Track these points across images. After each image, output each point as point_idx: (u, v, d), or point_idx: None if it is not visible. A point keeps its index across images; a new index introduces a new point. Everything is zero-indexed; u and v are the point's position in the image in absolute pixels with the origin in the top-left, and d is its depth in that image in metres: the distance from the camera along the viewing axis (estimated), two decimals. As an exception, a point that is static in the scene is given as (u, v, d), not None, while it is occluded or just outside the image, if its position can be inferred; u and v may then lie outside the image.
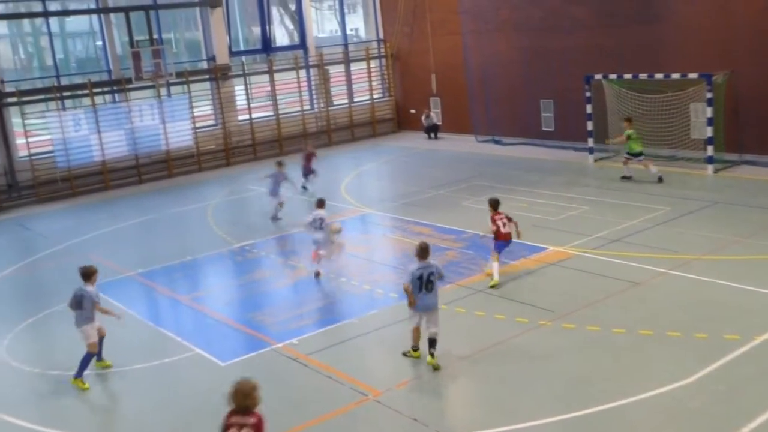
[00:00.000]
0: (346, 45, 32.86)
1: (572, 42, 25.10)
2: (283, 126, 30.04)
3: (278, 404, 10.17)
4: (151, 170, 27.08)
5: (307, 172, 23.13)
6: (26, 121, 24.82)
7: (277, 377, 10.94)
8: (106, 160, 25.94)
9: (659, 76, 21.58)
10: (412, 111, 32.26)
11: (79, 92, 26.05)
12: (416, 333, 11.03)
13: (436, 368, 10.63)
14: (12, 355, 12.59)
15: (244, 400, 7.38)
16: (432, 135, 30.72)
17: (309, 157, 23.21)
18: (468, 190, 21.16)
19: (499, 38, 27.67)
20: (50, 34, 25.90)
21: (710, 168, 20.61)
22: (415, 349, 11.08)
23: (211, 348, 12.09)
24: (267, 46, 30.66)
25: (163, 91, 27.35)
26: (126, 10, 26.33)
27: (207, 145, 28.45)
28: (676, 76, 21.22)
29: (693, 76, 20.85)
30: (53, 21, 26.37)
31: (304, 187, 22.84)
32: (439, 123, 31.00)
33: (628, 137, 20.36)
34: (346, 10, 33.66)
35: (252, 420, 7.24)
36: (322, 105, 31.30)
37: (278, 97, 29.85)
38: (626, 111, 22.67)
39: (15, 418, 10.48)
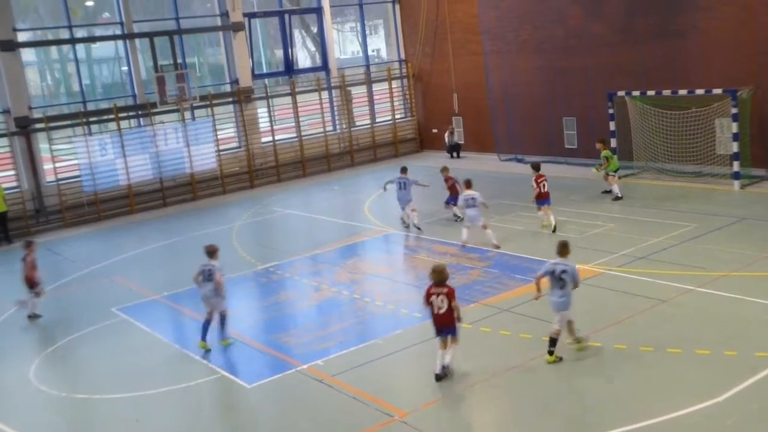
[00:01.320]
0: (368, 66, 33.06)
1: (594, 60, 25.05)
2: (306, 147, 30.21)
3: (304, 426, 10.17)
4: (175, 193, 27.32)
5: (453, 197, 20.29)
6: (53, 147, 25.18)
7: (303, 399, 10.93)
8: (132, 183, 26.22)
9: (683, 92, 21.46)
10: (435, 131, 32.32)
11: (105, 117, 26.40)
12: (571, 326, 11.21)
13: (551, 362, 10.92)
14: (39, 379, 12.68)
15: (439, 275, 10.83)
16: (454, 154, 30.72)
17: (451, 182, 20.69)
18: (492, 209, 21.00)
19: (520, 57, 27.70)
20: (77, 60, 26.33)
21: (736, 184, 20.40)
22: (578, 341, 11.27)
23: (236, 370, 12.11)
24: (289, 68, 30.92)
25: (188, 114, 27.64)
26: (150, 35, 26.71)
27: (231, 167, 28.67)
28: (700, 91, 21.09)
29: (717, 91, 20.71)
30: (80, 47, 26.80)
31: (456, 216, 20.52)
32: (462, 142, 31.01)
33: (608, 159, 20.72)
34: (367, 32, 33.89)
35: (445, 290, 10.75)
36: (344, 126, 31.45)
37: (301, 119, 30.05)
38: (650, 127, 22.56)
39: (43, 441, 10.54)
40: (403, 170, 20.02)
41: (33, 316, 15.86)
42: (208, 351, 12.99)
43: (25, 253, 15.95)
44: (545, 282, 11.28)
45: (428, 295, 10.86)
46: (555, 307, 11.11)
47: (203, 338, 13.13)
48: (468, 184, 17.77)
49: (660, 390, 9.96)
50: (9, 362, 13.61)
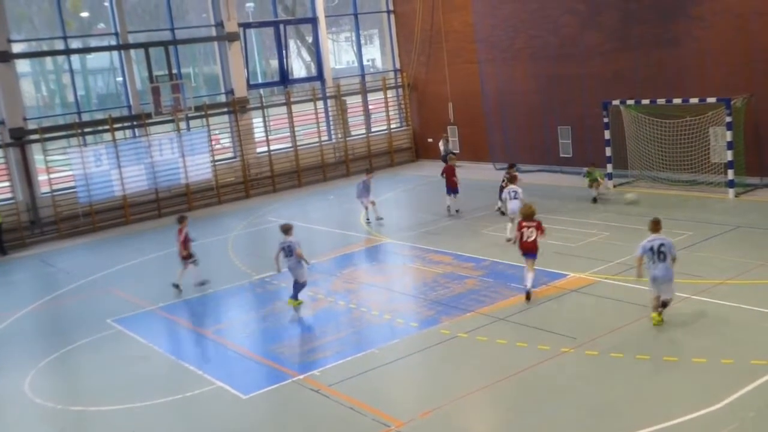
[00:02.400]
0: (363, 75, 33.12)
1: (589, 68, 25.14)
2: (302, 157, 30.22)
3: (300, 437, 10.14)
4: (171, 204, 27.29)
5: (452, 189, 22.00)
6: (48, 158, 25.15)
7: (300, 409, 10.90)
8: (127, 194, 26.19)
9: (677, 100, 21.53)
10: (430, 140, 32.35)
11: (100, 128, 26.39)
12: (655, 301, 12.09)
13: (657, 323, 12.01)
14: (34, 391, 12.62)
15: (528, 211, 14.07)
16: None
17: (451, 171, 22.08)
18: (487, 218, 21.12)
19: (516, 66, 27.79)
20: (72, 71, 26.32)
21: (731, 192, 20.46)
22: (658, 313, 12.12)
23: (232, 381, 12.06)
24: (285, 78, 30.96)
25: (183, 125, 27.65)
26: (145, 46, 26.73)
27: (226, 177, 28.67)
28: (694, 100, 21.16)
29: (712, 100, 20.79)
30: (75, 58, 26.81)
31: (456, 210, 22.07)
32: (457, 151, 31.04)
33: (589, 174, 21.70)
34: (362, 41, 33.97)
35: (534, 224, 13.94)
36: (340, 135, 31.48)
37: (296, 129, 30.08)
38: (645, 136, 22.63)
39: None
40: (368, 171, 21.88)
41: (202, 283, 17.34)
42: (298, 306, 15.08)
43: (179, 228, 17.36)
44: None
45: (520, 227, 14.18)
46: (661, 280, 11.91)
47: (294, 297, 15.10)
48: (513, 179, 18.96)
49: (657, 398, 9.95)
50: (4, 374, 13.54)
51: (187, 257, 17.36)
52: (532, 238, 13.94)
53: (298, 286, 15.20)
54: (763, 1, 20.63)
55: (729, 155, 20.48)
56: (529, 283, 14.02)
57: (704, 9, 21.85)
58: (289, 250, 15.05)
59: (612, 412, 9.77)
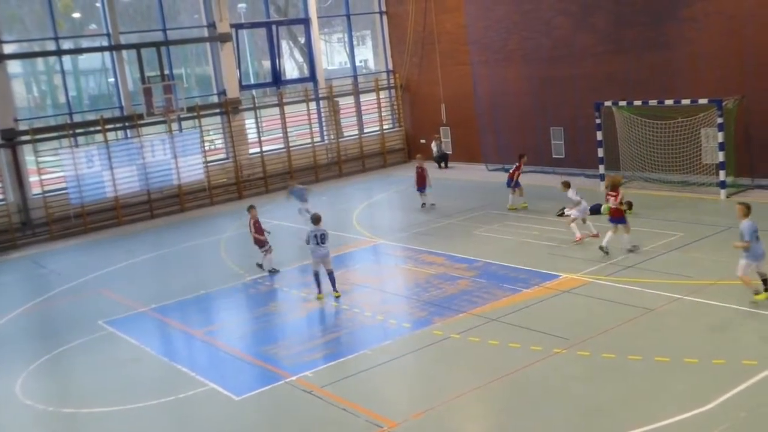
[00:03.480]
0: (355, 77, 33.11)
1: (581, 70, 25.20)
2: (294, 158, 30.19)
3: (293, 438, 10.13)
4: (163, 205, 27.23)
5: (422, 187, 23.37)
6: (39, 159, 25.05)
7: (292, 410, 10.89)
8: (119, 195, 26.11)
9: (669, 102, 21.60)
10: (423, 141, 32.36)
11: (92, 129, 26.30)
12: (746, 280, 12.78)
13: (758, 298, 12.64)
14: (26, 393, 12.57)
15: (613, 182, 16.51)
16: (442, 164, 30.79)
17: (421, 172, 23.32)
18: (479, 218, 21.14)
19: (508, 68, 27.82)
20: (63, 72, 26.23)
21: (723, 193, 20.53)
22: (757, 293, 12.78)
23: (225, 382, 12.04)
24: (277, 79, 30.93)
25: (175, 125, 27.59)
26: (137, 46, 26.66)
27: (218, 178, 28.62)
28: (686, 101, 21.23)
29: (703, 101, 20.86)
30: (66, 59, 26.72)
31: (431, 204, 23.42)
32: (450, 152, 31.09)
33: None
34: (355, 42, 33.97)
35: (614, 193, 16.18)
36: (332, 136, 31.47)
37: (289, 130, 30.06)
38: (636, 137, 22.69)
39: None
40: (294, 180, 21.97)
41: (272, 271, 17.93)
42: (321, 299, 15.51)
43: (249, 217, 18.14)
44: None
45: (607, 197, 16.59)
46: (763, 256, 12.75)
47: (320, 291, 15.62)
48: (567, 185, 18.23)
49: (649, 399, 9.98)
50: (-5, 376, 13.49)
51: (261, 245, 18.01)
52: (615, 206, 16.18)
53: (332, 276, 15.67)
54: (755, 3, 20.72)
55: (720, 156, 20.56)
56: (606, 242, 16.17)
57: (696, 11, 21.93)
58: (322, 239, 15.48)
59: (604, 412, 9.79)
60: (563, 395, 10.37)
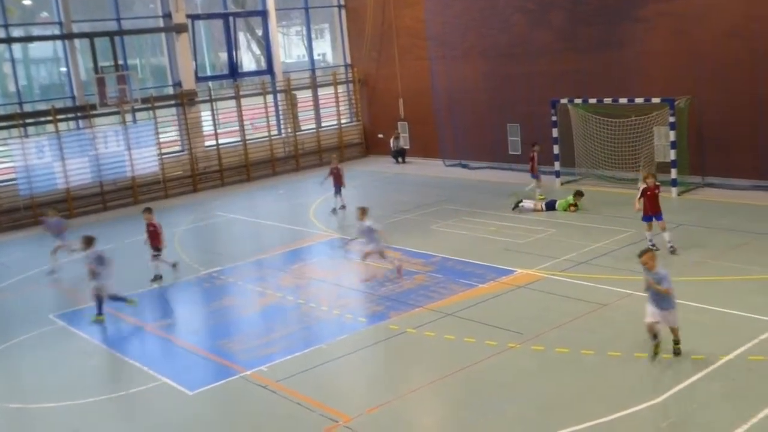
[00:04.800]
0: (313, 70, 32.95)
1: (538, 67, 25.43)
2: (251, 151, 29.95)
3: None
4: (116, 197, 26.78)
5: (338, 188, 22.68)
6: (-12, 149, 24.47)
7: (247, 405, 10.80)
8: (70, 187, 25.60)
9: (623, 100, 21.92)
10: (380, 135, 32.38)
11: (43, 119, 25.75)
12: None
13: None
14: (-28, 388, 12.27)
15: (651, 178, 15.79)
16: (400, 159, 30.84)
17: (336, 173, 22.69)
18: (436, 213, 21.22)
19: (466, 63, 27.96)
20: (13, 60, 25.60)
21: (674, 191, 20.91)
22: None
23: (178, 377, 11.90)
24: (234, 71, 30.62)
25: (129, 117, 27.15)
26: (90, 36, 26.15)
27: (173, 171, 28.25)
28: (639, 100, 21.58)
29: (656, 100, 21.21)
30: (16, 47, 26.08)
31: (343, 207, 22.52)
32: (407, 147, 31.15)
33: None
34: (313, 36, 33.80)
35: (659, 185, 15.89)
36: (289, 130, 31.29)
37: (245, 123, 29.80)
38: (591, 134, 23.00)
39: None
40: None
41: (156, 278, 17.13)
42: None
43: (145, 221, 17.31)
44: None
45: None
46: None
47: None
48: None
49: (601, 393, 10.13)
50: (-61, 371, 13.13)
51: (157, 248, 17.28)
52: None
53: (111, 299, 14.94)
54: (704, 5, 21.13)
55: (672, 154, 20.94)
56: (650, 241, 15.63)
57: (648, 11, 22.29)
58: (99, 261, 14.77)
59: (558, 406, 9.91)
60: (518, 389, 10.47)
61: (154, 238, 17.13)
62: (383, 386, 11.07)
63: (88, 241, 15.05)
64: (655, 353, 10.80)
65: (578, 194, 20.27)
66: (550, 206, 20.18)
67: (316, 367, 11.82)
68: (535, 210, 20.19)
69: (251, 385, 11.37)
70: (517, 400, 10.15)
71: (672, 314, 10.91)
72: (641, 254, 11.12)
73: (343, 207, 22.46)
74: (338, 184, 22.66)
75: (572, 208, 19.97)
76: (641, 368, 10.71)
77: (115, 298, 15.00)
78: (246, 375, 11.69)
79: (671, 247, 15.67)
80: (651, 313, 10.87)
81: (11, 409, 11.47)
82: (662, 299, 10.84)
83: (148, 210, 17.68)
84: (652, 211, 15.78)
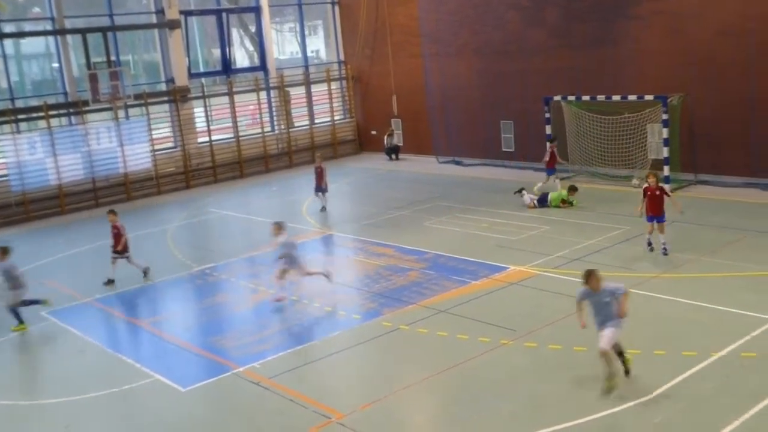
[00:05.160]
0: (306, 67, 32.90)
1: (532, 64, 25.45)
2: (244, 148, 29.89)
3: (240, 429, 10.05)
4: (108, 193, 26.69)
5: (320, 188, 22.28)
6: (-21, 145, 24.35)
7: (239, 402, 10.79)
8: (62, 183, 25.52)
9: (616, 97, 21.96)
10: (374, 132, 32.36)
11: (35, 115, 25.63)
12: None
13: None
14: (-36, 385, 12.22)
15: (653, 177, 15.49)
16: (393, 156, 30.82)
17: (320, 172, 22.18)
18: (430, 210, 21.23)
19: (460, 61, 27.95)
20: (5, 56, 25.46)
21: (667, 188, 20.87)
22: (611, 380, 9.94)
23: (171, 374, 11.87)
24: (227, 67, 30.56)
25: (121, 113, 27.06)
26: (83, 31, 26.04)
27: (166, 167, 28.17)
28: (632, 97, 21.60)
29: (649, 98, 21.25)
30: (8, 43, 25.95)
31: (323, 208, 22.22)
32: (400, 144, 31.14)
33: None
34: (306, 32, 33.73)
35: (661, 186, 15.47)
36: (283, 127, 31.23)
37: (238, 119, 29.74)
38: (585, 131, 23.04)
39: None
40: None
41: (109, 281, 16.87)
42: None
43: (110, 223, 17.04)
44: None
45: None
46: None
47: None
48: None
49: (593, 389, 10.13)
50: (-70, 368, 13.08)
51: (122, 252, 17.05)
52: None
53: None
54: (699, 3, 21.17)
55: (665, 152, 20.98)
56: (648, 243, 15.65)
57: (643, 9, 22.32)
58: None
59: (551, 402, 9.92)
60: (510, 386, 10.48)
61: (118, 240, 16.89)
62: (376, 383, 11.07)
63: (3, 252, 14.62)
64: (610, 387, 9.70)
65: (572, 189, 20.33)
66: (542, 200, 20.26)
67: (308, 364, 11.82)
68: (529, 207, 20.24)
69: (244, 381, 11.35)
70: (510, 396, 10.17)
71: (617, 332, 9.94)
72: (585, 278, 10.04)
73: (323, 209, 22.18)
74: (319, 184, 22.21)
75: (563, 204, 20.01)
76: (634, 365, 10.72)
77: (28, 303, 14.74)
78: (239, 372, 11.68)
79: (664, 248, 15.47)
80: (606, 337, 9.88)
81: (2, 406, 11.42)
82: (609, 316, 9.95)
83: (113, 212, 17.35)
84: (651, 211, 15.47)
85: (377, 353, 12.23)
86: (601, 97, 22.34)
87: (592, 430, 9.17)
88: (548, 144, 21.93)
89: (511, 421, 9.59)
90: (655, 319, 12.34)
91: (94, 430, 10.54)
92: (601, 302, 10.00)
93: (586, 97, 22.78)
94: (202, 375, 11.83)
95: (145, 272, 17.22)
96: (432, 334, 12.53)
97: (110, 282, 16.89)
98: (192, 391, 11.25)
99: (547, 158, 21.62)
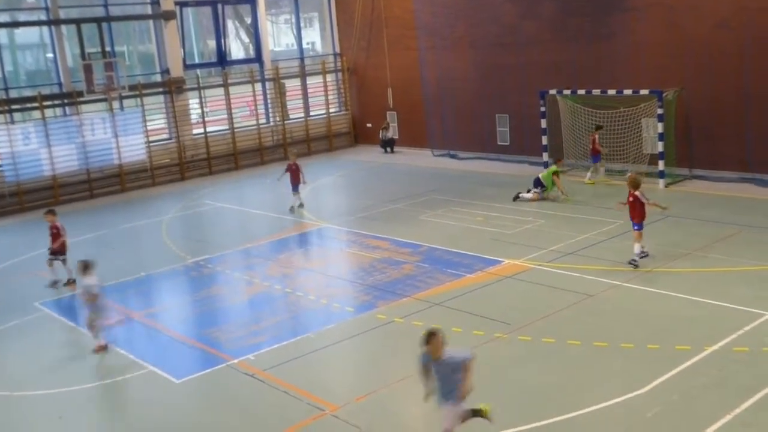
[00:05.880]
0: (302, 59, 32.82)
1: (527, 58, 25.43)
2: (239, 140, 29.83)
3: (234, 421, 10.05)
4: (103, 185, 26.63)
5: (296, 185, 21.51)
6: (-27, 135, 24.25)
7: (234, 393, 10.79)
8: (57, 174, 25.43)
9: (612, 92, 21.95)
10: (369, 125, 32.32)
11: (29, 105, 25.54)
12: None
13: None
14: (-43, 375, 12.18)
15: (632, 183, 14.72)
16: (388, 149, 30.79)
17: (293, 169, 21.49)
18: (425, 204, 21.22)
19: (456, 54, 27.92)
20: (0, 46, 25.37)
21: (661, 182, 20.98)
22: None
23: (165, 365, 11.86)
24: (222, 59, 30.46)
25: (116, 104, 26.97)
26: (77, 22, 25.92)
27: (161, 159, 28.11)
28: (628, 92, 21.60)
29: (645, 92, 21.24)
30: (2, 32, 25.83)
31: (301, 205, 21.64)
32: (396, 137, 31.11)
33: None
34: (302, 24, 33.64)
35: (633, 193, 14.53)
36: (278, 119, 31.17)
37: (233, 111, 29.67)
38: (580, 126, 23.04)
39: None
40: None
41: (54, 283, 16.32)
42: None
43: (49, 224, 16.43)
44: None
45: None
46: None
47: None
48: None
49: (586, 383, 10.18)
50: (-77, 358, 13.05)
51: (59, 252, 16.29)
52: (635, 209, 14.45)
53: None
54: (694, -4, 21.19)
55: (660, 146, 21.00)
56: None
57: (639, 1, 22.31)
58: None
59: (543, 396, 9.94)
60: (504, 379, 10.50)
61: (55, 240, 16.32)
62: (371, 375, 11.08)
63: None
64: (485, 412, 8.70)
65: (558, 160, 21.04)
66: (537, 183, 20.42)
67: (303, 356, 11.82)
68: (533, 200, 20.19)
69: (238, 373, 11.35)
70: (504, 390, 10.18)
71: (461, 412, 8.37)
72: (425, 340, 8.26)
73: (302, 205, 21.61)
74: (295, 182, 21.49)
75: (556, 178, 20.23)
76: (627, 359, 10.77)
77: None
78: (233, 363, 11.68)
79: (634, 261, 14.42)
80: (448, 419, 8.36)
81: (-4, 397, 11.42)
82: (453, 390, 8.21)
83: (51, 212, 16.72)
84: (631, 217, 14.67)
85: (372, 346, 12.24)
86: (596, 91, 22.32)
87: (586, 423, 9.19)
88: (593, 133, 22.02)
89: (505, 414, 9.59)
90: (648, 314, 12.37)
91: (87, 421, 10.54)
92: (444, 372, 8.21)
93: (581, 91, 22.76)
94: (196, 367, 11.82)
95: (56, 283, 16.30)
96: (427, 327, 12.46)
97: (54, 283, 16.26)
98: (186, 383, 11.24)
99: (593, 146, 21.89)
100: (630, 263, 14.48)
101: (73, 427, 10.47)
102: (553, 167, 20.55)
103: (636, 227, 14.52)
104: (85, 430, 10.33)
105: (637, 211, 14.47)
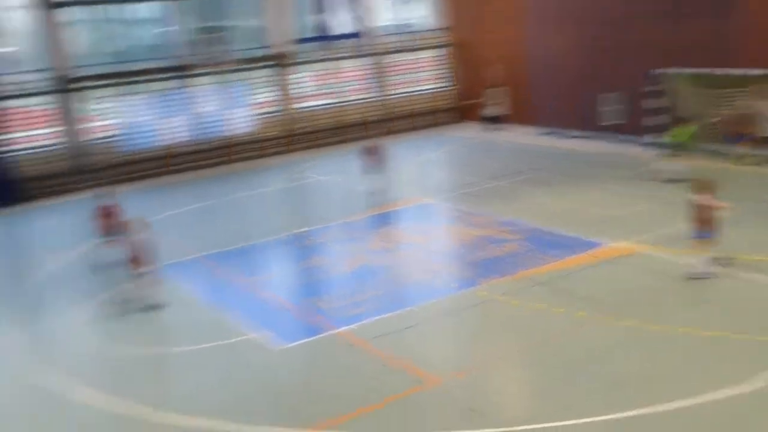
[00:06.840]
0: (408, 33, 32.74)
1: (638, 35, 24.50)
2: (344, 114, 30.13)
3: (334, 389, 10.25)
4: (212, 156, 27.49)
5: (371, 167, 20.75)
6: (93, 107, 25.47)
7: (335, 363, 11.00)
8: (168, 144, 26.43)
9: (737, 72, 20.75)
10: (474, 101, 32.02)
11: (144, 78, 26.57)
12: None
13: None
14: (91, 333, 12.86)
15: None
16: (493, 126, 30.44)
17: (372, 151, 20.89)
18: (528, 182, 20.93)
19: (564, 29, 27.22)
20: (119, 20, 26.41)
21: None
22: None
23: (267, 332, 12.20)
24: (328, 34, 30.75)
25: (226, 77, 27.72)
26: (193, -3, 26.74)
27: (268, 131, 28.74)
28: (756, 72, 20.39)
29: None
30: (123, 8, 26.91)
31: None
32: (500, 114, 30.72)
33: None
34: (409, -1, 33.53)
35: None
36: (383, 94, 31.28)
37: (339, 85, 29.97)
38: (692, 106, 22.09)
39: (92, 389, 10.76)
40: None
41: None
42: None
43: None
44: None
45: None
46: None
47: None
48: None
49: (694, 372, 9.81)
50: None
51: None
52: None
53: None
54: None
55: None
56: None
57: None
58: None
59: (648, 383, 9.67)
60: (609, 363, 10.26)
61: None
62: (470, 351, 11.08)
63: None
64: None
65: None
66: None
67: (406, 329, 11.92)
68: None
69: (341, 343, 11.56)
70: (608, 373, 9.93)
71: None
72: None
73: (374, 193, 20.39)
74: (375, 164, 20.52)
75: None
76: (738, 349, 10.34)
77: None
78: (334, 333, 11.90)
79: (691, 274, 12.92)
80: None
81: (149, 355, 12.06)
82: None
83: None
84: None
85: (472, 322, 12.22)
86: (719, 71, 21.13)
87: (693, 414, 8.89)
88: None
89: (608, 399, 9.41)
90: (763, 303, 11.81)
91: (192, 381, 10.91)
92: None
93: (697, 70, 21.74)
94: (299, 334, 12.12)
95: None
96: (528, 306, 12.41)
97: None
98: (287, 350, 11.53)
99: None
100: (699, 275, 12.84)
101: (178, 387, 10.88)
102: (690, 129, 19.53)
103: (699, 235, 12.83)
104: (189, 390, 10.64)
105: (703, 219, 12.79)
